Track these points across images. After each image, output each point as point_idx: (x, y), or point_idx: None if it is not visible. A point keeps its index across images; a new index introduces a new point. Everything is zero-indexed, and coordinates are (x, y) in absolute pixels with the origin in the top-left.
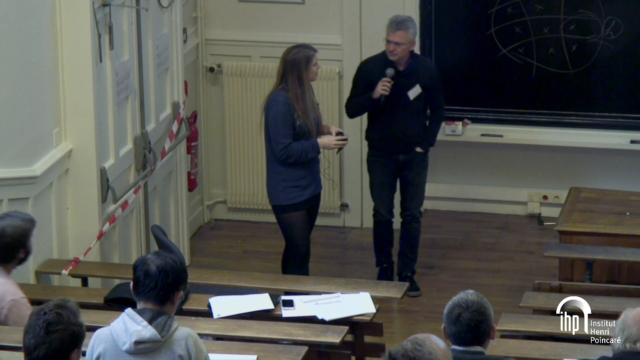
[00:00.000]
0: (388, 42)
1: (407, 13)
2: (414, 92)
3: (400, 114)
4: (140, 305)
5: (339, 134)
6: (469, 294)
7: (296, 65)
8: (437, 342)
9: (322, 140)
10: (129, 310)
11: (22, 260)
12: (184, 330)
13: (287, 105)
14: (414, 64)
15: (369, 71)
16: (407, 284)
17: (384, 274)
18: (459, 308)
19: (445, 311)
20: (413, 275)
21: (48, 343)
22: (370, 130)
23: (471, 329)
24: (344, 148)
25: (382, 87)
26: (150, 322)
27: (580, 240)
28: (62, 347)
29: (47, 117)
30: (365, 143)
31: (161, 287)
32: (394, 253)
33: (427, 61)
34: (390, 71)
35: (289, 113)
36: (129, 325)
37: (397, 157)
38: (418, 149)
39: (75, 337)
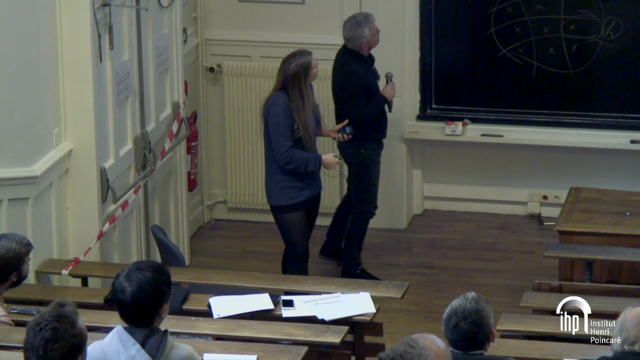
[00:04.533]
0: (377, 31)
1: (407, 13)
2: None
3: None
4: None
5: (343, 129)
6: (467, 300)
7: (296, 77)
8: (436, 342)
9: (327, 157)
10: (119, 329)
11: (14, 284)
12: (181, 351)
13: (287, 108)
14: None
15: (364, 76)
16: (407, 284)
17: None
18: (456, 317)
19: (444, 316)
20: None
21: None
22: (371, 124)
23: (468, 339)
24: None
25: (394, 90)
26: (143, 344)
27: (580, 240)
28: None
29: (47, 117)
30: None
31: (140, 312)
32: None
33: None
34: (390, 73)
35: (289, 115)
36: (122, 350)
37: (382, 144)
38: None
39: (74, 348)
